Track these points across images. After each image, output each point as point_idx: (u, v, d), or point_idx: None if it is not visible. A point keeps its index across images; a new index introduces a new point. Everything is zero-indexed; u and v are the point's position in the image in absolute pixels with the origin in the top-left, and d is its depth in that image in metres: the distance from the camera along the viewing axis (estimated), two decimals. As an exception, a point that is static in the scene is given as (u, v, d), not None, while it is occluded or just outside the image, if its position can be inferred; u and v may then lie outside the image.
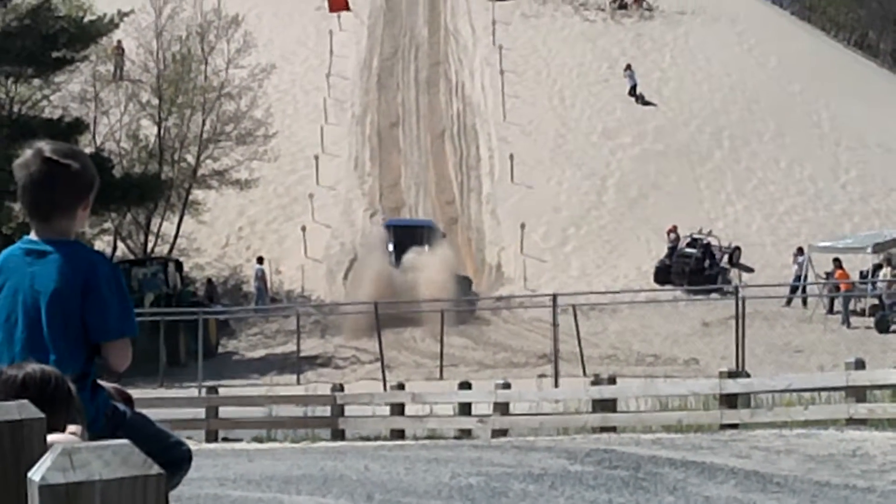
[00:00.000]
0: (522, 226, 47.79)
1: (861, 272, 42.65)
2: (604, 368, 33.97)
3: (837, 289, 42.14)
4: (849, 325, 40.87)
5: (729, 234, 47.40)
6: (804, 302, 43.18)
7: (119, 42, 48.50)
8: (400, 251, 45.27)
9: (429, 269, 43.99)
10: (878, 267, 42.08)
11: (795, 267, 43.87)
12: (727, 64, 59.72)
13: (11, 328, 4.75)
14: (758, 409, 19.90)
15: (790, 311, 42.65)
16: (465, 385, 25.56)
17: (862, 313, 41.46)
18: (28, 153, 4.74)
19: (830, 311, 41.99)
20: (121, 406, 4.88)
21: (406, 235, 46.27)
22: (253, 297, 46.44)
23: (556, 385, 32.81)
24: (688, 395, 22.49)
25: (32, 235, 4.82)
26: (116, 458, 2.29)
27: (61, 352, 4.69)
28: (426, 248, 45.47)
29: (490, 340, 41.53)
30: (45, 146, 4.75)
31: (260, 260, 46.49)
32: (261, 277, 45.95)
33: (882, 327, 39.84)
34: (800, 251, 43.96)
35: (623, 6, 65.25)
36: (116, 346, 4.80)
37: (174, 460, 4.70)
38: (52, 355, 4.65)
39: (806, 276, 42.96)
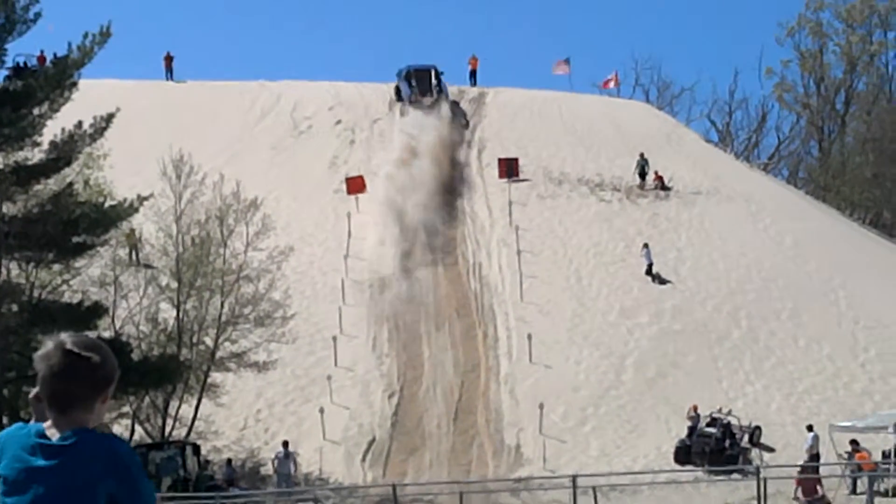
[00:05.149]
0: (541, 406, 47.60)
1: (883, 452, 42.23)
2: (625, 551, 33.55)
3: (860, 469, 41.69)
4: (873, 506, 40.32)
5: (749, 413, 47.10)
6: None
7: (133, 230, 48.84)
8: (418, 85, 73.60)
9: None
10: (901, 446, 41.67)
11: (806, 445, 43.48)
12: (743, 243, 60.00)
13: None
14: None
15: (813, 492, 42.16)
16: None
17: (886, 494, 40.94)
18: (49, 345, 4.73)
19: (853, 491, 41.49)
20: None
21: (422, 74, 73.98)
22: (272, 480, 46.04)
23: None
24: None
25: (46, 425, 4.76)
26: None
27: None
28: (433, 80, 73.61)
29: (510, 523, 41.08)
30: (67, 339, 4.73)
31: (285, 444, 45.95)
32: (282, 459, 45.38)
33: (907, 508, 39.30)
34: (809, 429, 43.64)
35: (642, 176, 65.80)
36: None
37: None
38: None
39: (818, 456, 42.54)
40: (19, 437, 4.76)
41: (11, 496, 4.69)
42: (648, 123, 76.58)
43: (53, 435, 4.71)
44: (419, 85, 74.12)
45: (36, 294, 43.31)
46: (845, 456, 41.88)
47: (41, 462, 4.66)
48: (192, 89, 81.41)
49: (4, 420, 40.31)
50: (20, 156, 41.52)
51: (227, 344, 47.60)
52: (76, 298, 44.24)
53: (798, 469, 41.36)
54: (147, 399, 46.28)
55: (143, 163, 56.82)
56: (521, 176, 66.24)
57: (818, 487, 39.74)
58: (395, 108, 75.04)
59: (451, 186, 66.35)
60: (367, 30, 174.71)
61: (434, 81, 74.26)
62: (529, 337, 51.85)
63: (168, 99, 78.04)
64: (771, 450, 45.86)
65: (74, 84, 41.74)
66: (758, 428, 46.33)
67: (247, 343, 47.84)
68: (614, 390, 50.11)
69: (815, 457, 42.91)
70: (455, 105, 75.23)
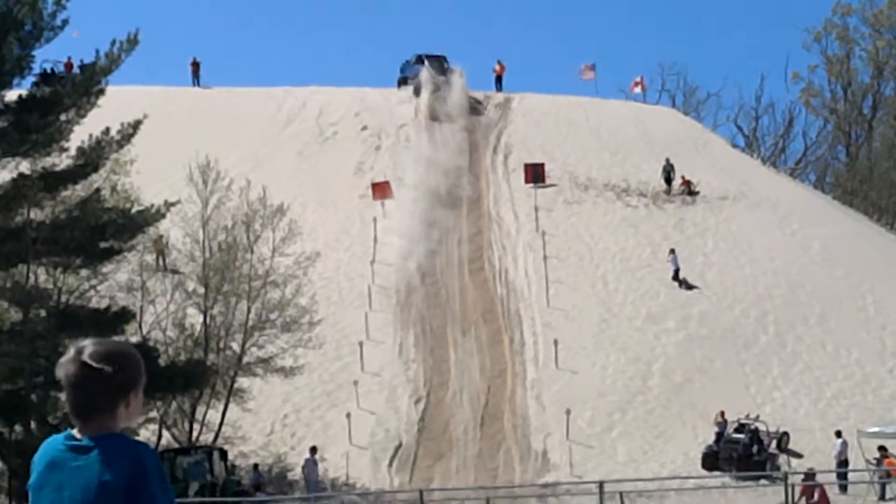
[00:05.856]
0: (568, 411, 47.52)
1: (912, 457, 42.03)
2: (652, 557, 33.47)
3: (889, 475, 41.52)
4: (902, 512, 40.18)
5: (776, 418, 46.95)
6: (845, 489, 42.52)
7: (161, 236, 48.97)
8: (433, 67, 78.51)
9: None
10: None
11: (835, 451, 43.36)
12: (770, 248, 59.83)
13: None
14: None
15: (841, 498, 41.99)
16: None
17: (914, 499, 40.78)
18: (70, 353, 4.75)
19: (882, 497, 41.33)
20: None
21: (434, 60, 79.56)
22: (299, 485, 46.05)
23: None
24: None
25: (75, 431, 4.80)
26: None
27: None
28: (445, 65, 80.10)
29: (536, 529, 41.01)
30: (86, 348, 4.74)
31: (313, 449, 45.96)
32: (311, 465, 45.33)
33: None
34: (837, 434, 43.51)
35: (668, 181, 65.66)
36: None
37: None
38: None
39: (847, 462, 42.40)
40: (48, 444, 4.84)
41: (40, 494, 4.75)
42: (675, 129, 76.47)
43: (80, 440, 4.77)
44: (432, 67, 79.66)
45: (63, 299, 43.42)
46: (874, 462, 41.72)
47: (68, 462, 4.72)
48: (219, 95, 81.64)
49: (32, 425, 40.45)
50: (48, 162, 41.56)
51: (253, 349, 47.66)
52: (103, 304, 44.31)
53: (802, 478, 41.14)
54: (174, 404, 46.37)
55: (170, 169, 56.98)
56: (548, 181, 66.23)
57: (815, 492, 39.52)
58: (420, 116, 75.16)
59: (476, 190, 66.36)
60: (391, 36, 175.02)
61: (446, 65, 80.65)
62: (556, 342, 51.79)
63: (194, 105, 78.27)
64: (799, 456, 45.69)
65: (102, 91, 41.75)
66: (786, 434, 46.17)
67: (273, 348, 47.89)
68: (641, 396, 50.00)
69: (843, 463, 42.78)
70: (476, 101, 78.91)
